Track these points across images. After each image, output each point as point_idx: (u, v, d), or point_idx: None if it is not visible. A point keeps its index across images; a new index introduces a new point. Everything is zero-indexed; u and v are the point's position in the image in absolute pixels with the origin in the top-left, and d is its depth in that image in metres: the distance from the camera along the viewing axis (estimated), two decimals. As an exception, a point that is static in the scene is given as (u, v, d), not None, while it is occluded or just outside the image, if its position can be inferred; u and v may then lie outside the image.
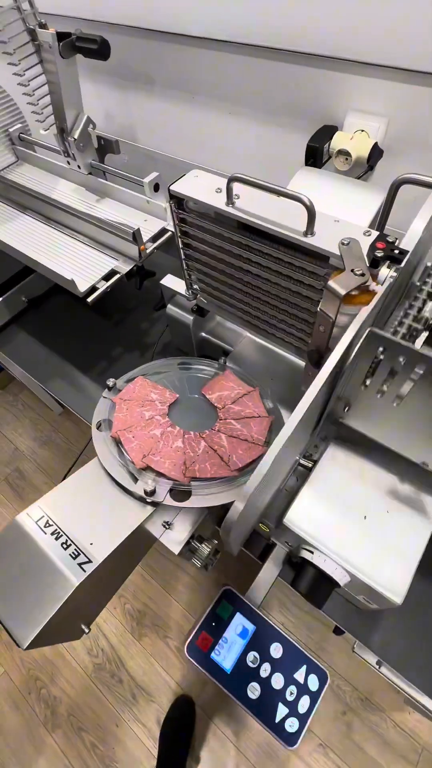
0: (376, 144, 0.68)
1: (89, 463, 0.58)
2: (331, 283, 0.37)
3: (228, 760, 1.17)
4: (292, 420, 0.34)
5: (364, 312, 0.36)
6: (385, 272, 0.39)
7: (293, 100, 0.78)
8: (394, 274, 0.39)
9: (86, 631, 0.52)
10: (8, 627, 0.44)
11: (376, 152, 0.69)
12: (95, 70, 1.03)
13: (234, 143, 0.94)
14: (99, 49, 0.71)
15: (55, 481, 1.56)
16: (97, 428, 0.60)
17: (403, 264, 0.38)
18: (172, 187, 0.52)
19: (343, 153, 0.70)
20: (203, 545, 0.54)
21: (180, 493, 0.54)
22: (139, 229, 0.70)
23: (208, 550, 0.54)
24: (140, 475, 0.55)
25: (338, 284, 0.37)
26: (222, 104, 0.89)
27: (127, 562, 0.59)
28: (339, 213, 0.47)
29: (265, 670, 0.52)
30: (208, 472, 0.54)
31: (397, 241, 0.39)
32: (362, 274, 0.37)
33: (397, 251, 0.38)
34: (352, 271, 0.38)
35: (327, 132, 0.72)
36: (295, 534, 0.49)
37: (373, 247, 0.39)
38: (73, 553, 0.48)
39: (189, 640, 0.54)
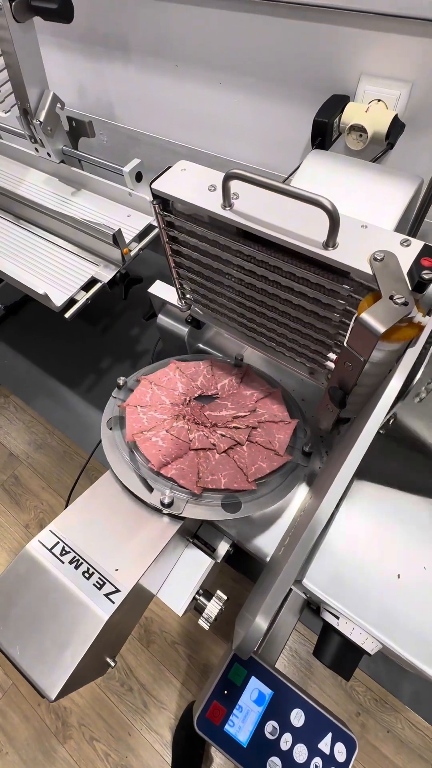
0: (396, 117, 0.57)
1: (102, 477, 0.50)
2: (365, 316, 0.29)
3: (243, 765, 1.15)
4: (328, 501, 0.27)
5: (409, 358, 0.27)
6: (432, 297, 0.30)
7: (295, 65, 0.66)
8: (444, 298, 0.30)
9: (112, 664, 0.45)
10: (31, 678, 0.37)
11: (396, 127, 0.58)
12: (61, 36, 0.89)
13: (227, 120, 0.81)
14: (59, 9, 0.58)
15: (53, 487, 1.50)
16: (108, 428, 0.52)
17: (457, 288, 0.29)
18: (154, 185, 0.42)
19: (357, 128, 0.59)
20: (212, 602, 0.48)
21: (229, 505, 0.47)
22: (120, 230, 0.60)
23: (219, 608, 0.47)
24: (155, 482, 0.48)
25: (374, 318, 0.28)
26: (210, 73, 0.76)
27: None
28: (360, 211, 0.38)
29: (286, 741, 0.46)
30: (221, 481, 0.47)
31: (447, 254, 0.30)
32: (405, 303, 0.29)
33: (449, 270, 0.29)
34: (392, 298, 0.29)
35: (337, 103, 0.60)
36: (316, 596, 0.42)
37: (417, 265, 0.30)
38: (97, 582, 0.42)
39: (199, 712, 0.48)
